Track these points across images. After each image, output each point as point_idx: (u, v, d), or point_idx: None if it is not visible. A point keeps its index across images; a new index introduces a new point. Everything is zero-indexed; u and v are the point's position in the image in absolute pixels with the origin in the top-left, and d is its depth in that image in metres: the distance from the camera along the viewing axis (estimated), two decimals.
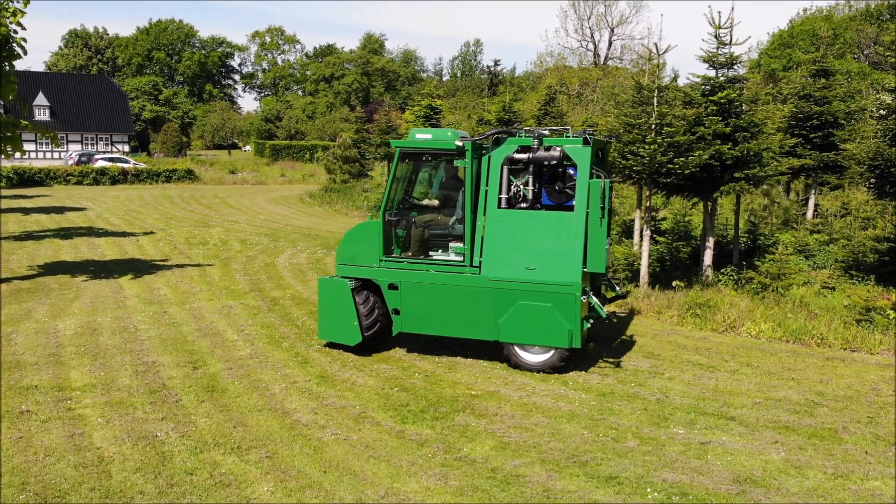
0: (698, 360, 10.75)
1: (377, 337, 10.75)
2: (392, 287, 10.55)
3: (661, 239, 17.81)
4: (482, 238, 10.11)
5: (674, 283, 14.73)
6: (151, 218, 27.81)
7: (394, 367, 10.30)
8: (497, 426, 8.16)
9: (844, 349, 11.44)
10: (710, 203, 15.51)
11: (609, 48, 74.05)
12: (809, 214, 22.42)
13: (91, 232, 23.58)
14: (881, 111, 16.56)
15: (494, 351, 10.74)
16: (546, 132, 10.21)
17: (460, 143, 10.07)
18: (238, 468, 7.08)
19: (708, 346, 11.54)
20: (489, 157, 10.16)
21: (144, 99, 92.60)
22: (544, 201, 10.30)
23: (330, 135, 76.51)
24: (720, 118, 14.61)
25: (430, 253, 10.69)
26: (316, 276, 16.84)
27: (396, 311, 10.61)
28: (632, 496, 6.58)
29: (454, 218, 10.73)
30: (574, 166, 9.96)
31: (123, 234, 23.08)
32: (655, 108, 14.46)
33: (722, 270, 15.56)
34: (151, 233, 23.62)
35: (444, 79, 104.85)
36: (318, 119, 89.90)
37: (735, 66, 15.33)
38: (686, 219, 19.69)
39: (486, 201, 10.12)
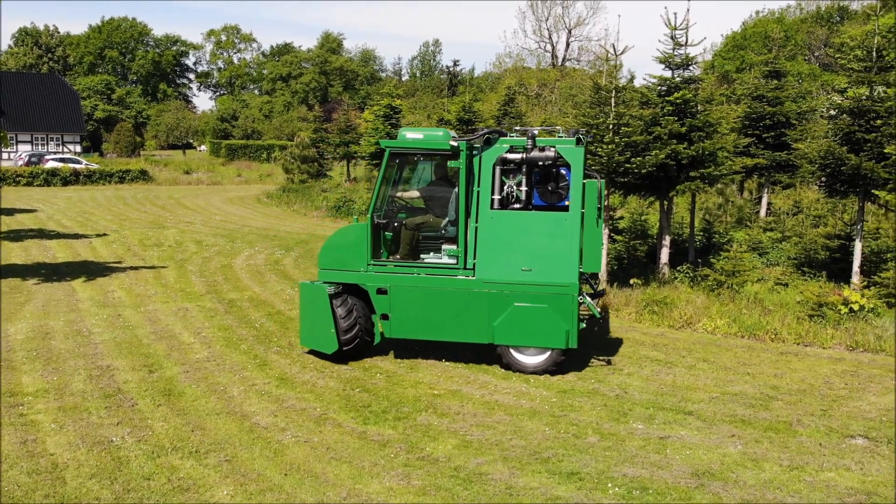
0: (656, 356, 10.90)
1: (354, 344, 10.30)
2: (381, 292, 10.16)
3: (618, 238, 18.03)
4: (475, 240, 9.93)
5: (631, 281, 14.93)
6: (105, 219, 27.19)
7: (355, 368, 10.23)
8: (459, 425, 8.16)
9: (798, 344, 11.70)
10: (666, 202, 15.76)
11: (567, 49, 74.81)
12: (762, 213, 22.94)
13: (42, 234, 22.95)
14: (831, 111, 16.99)
15: (457, 351, 10.75)
16: (535, 132, 10.13)
17: (455, 143, 9.86)
18: (196, 472, 6.95)
19: (665, 343, 11.70)
20: (480, 158, 10.01)
21: (97, 98, 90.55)
22: (535, 202, 10.20)
23: (288, 134, 75.77)
24: (676, 118, 14.84)
25: (422, 255, 10.35)
26: (274, 278, 16.66)
27: (385, 317, 10.22)
28: (593, 492, 6.63)
29: (446, 220, 10.37)
30: (567, 166, 9.97)
31: (76, 236, 22.52)
32: (613, 109, 14.63)
33: (678, 268, 15.82)
34: (105, 234, 23.09)
35: (403, 78, 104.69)
36: (276, 118, 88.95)
37: (690, 67, 15.60)
38: (643, 218, 19.98)
39: (479, 202, 9.96)
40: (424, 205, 10.82)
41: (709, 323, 12.52)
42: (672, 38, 15.29)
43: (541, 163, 9.83)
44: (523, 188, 9.98)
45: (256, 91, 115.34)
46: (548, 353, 9.88)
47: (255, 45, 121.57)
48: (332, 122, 43.67)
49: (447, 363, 10.45)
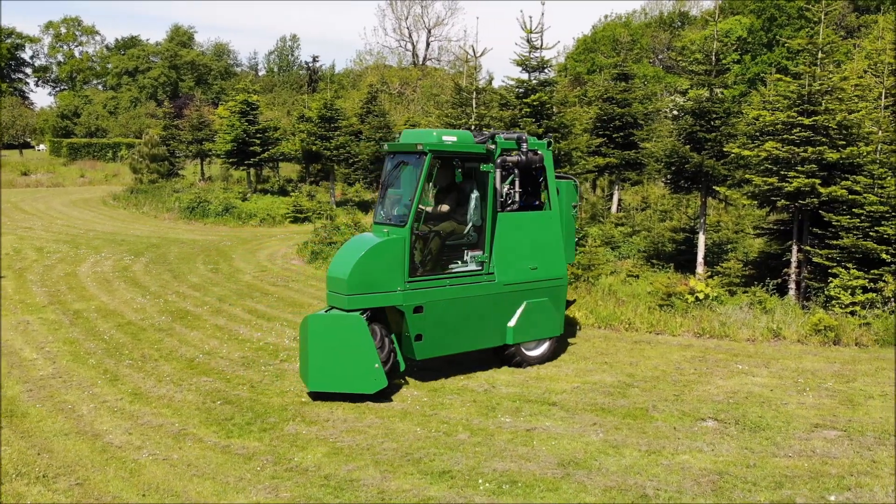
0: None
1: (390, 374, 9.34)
2: (417, 310, 9.32)
3: None
4: (492, 243, 9.88)
5: None
6: None
7: (215, 379, 9.78)
8: (329, 432, 7.98)
9: (650, 332, 12.36)
10: None
11: (427, 49, 75.55)
12: (614, 209, 24.13)
13: None
14: (674, 112, 18.10)
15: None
16: (525, 135, 10.28)
17: (493, 147, 9.73)
18: (45, 499, 6.39)
19: None
20: (494, 161, 9.89)
21: None
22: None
23: (135, 132, 71.64)
24: (534, 120, 15.28)
25: (451, 265, 9.75)
26: (123, 286, 15.68)
27: (419, 337, 9.39)
28: (464, 489, 6.67)
29: (470, 225, 9.89)
30: (542, 169, 10.36)
31: None
32: (474, 110, 14.87)
33: None
34: None
35: (259, 74, 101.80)
36: (122, 115, 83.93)
37: (546, 70, 16.12)
38: None
39: (494, 206, 9.88)
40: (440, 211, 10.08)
41: (567, 314, 12.97)
42: (528, 41, 15.74)
43: (533, 165, 10.14)
44: (517, 189, 10.11)
45: (100, 86, 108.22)
46: (547, 343, 10.54)
47: (98, 37, 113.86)
48: (183, 119, 41.67)
49: None
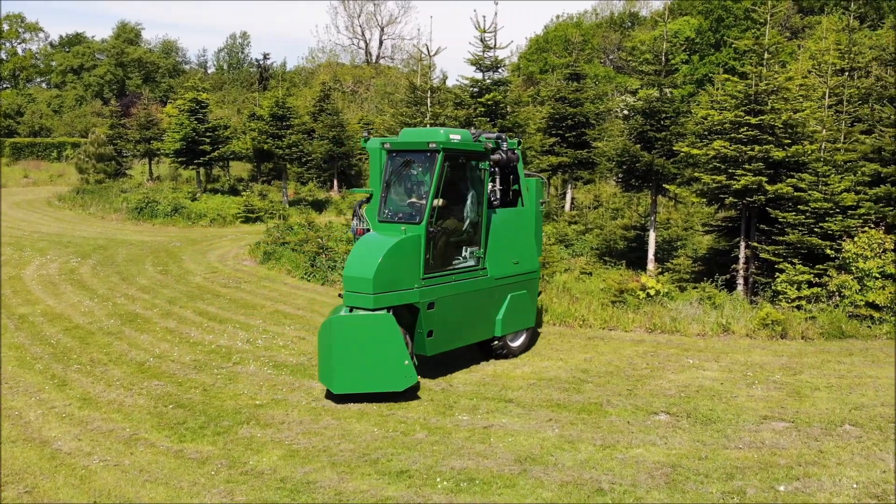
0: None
1: None
2: (430, 307, 9.43)
3: None
4: (486, 239, 10.24)
5: None
6: None
7: (167, 382, 9.59)
8: (285, 434, 7.89)
9: (603, 328, 12.52)
10: None
11: (380, 47, 75.28)
12: (567, 207, 24.38)
13: None
14: (625, 112, 18.37)
15: (281, 357, 10.41)
16: (504, 135, 10.61)
17: (491, 145, 10.05)
18: None
19: None
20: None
21: None
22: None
23: (81, 131, 69.80)
24: (488, 119, 15.34)
25: (454, 261, 9.94)
26: (70, 289, 15.28)
27: (431, 333, 9.50)
28: (422, 488, 6.66)
29: (468, 221, 10.03)
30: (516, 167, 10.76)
31: None
32: (429, 108, 14.86)
33: None
34: None
35: (209, 71, 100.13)
36: (67, 114, 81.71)
37: (500, 69, 16.20)
38: None
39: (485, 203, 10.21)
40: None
41: None
42: (482, 40, 15.79)
43: (511, 164, 10.47)
44: (499, 187, 10.43)
45: (44, 84, 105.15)
46: (524, 334, 11.06)
47: (41, 34, 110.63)
48: (130, 118, 40.72)
49: (269, 371, 10.09)
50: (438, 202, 9.36)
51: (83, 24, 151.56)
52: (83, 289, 15.31)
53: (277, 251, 18.81)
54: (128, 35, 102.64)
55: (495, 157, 10.23)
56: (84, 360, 10.43)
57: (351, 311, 9.05)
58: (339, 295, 10.27)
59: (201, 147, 30.82)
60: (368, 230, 9.89)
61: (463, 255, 10.02)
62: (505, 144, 10.34)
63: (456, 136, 9.58)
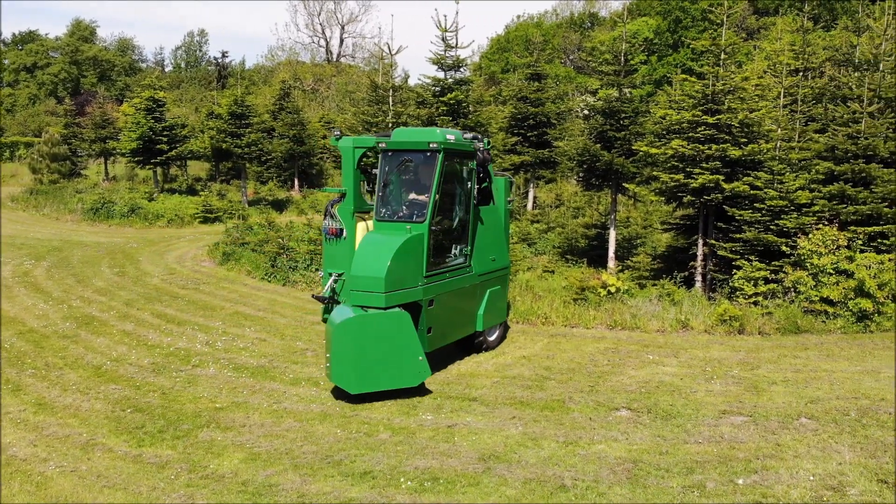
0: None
1: None
2: (430, 304, 9.59)
3: None
4: (473, 237, 10.46)
5: None
6: None
7: (125, 386, 9.39)
8: (246, 437, 7.78)
9: (565, 326, 12.62)
10: None
11: (341, 45, 74.82)
12: (530, 206, 24.52)
13: None
14: (585, 111, 18.54)
15: (242, 359, 10.27)
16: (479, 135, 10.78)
17: (480, 145, 10.31)
18: None
19: None
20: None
21: None
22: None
23: (34, 130, 68.09)
24: (451, 118, 15.34)
25: (447, 259, 10.10)
26: (24, 292, 14.89)
27: (430, 330, 9.58)
28: (386, 488, 6.63)
29: (458, 219, 10.24)
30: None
31: None
32: (391, 107, 14.80)
33: None
34: None
35: (166, 69, 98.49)
36: (20, 113, 79.66)
37: (461, 69, 16.21)
38: None
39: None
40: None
41: None
42: (443, 39, 15.78)
43: (486, 163, 10.60)
44: (477, 186, 10.56)
45: None
46: (498, 328, 11.38)
47: None
48: (86, 117, 39.84)
49: (229, 374, 9.95)
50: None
51: (36, 22, 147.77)
52: (37, 291, 14.93)
53: (237, 252, 18.57)
54: (82, 33, 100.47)
55: (478, 156, 10.48)
56: (39, 365, 10.18)
57: (364, 310, 8.97)
58: (313, 296, 10.34)
59: (158, 146, 30.30)
60: (342, 230, 9.95)
61: (453, 252, 10.24)
62: (481, 144, 10.52)
63: (451, 136, 9.79)
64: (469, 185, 10.33)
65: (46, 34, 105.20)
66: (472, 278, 10.50)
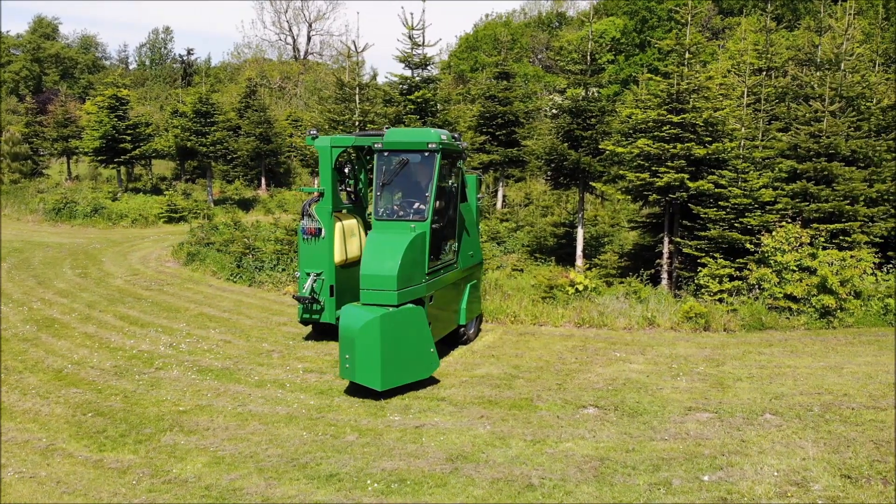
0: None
1: None
2: (431, 300, 9.88)
3: None
4: (460, 234, 10.70)
5: None
6: None
7: (86, 390, 9.20)
8: (210, 441, 7.66)
9: (534, 324, 12.64)
10: None
11: (308, 43, 74.28)
12: (499, 205, 24.54)
13: None
14: (554, 111, 18.61)
15: (206, 361, 10.11)
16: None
17: (465, 145, 10.60)
18: None
19: None
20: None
21: None
22: None
23: None
24: (418, 117, 15.29)
25: (441, 256, 10.30)
26: None
27: (429, 325, 9.74)
28: (353, 491, 6.57)
29: (447, 216, 10.44)
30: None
31: None
32: (358, 105, 14.71)
33: None
34: None
35: (130, 67, 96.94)
36: None
37: (429, 67, 16.16)
38: None
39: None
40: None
41: None
42: (410, 37, 15.72)
43: (463, 161, 10.83)
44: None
45: None
46: (476, 321, 11.65)
47: None
48: (48, 115, 39.05)
49: (193, 376, 9.79)
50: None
51: None
52: None
53: (202, 252, 18.32)
54: (44, 30, 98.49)
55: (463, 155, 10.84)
56: None
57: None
58: (294, 296, 10.37)
59: (122, 145, 29.79)
60: (321, 229, 10.07)
61: (445, 249, 10.45)
62: (466, 144, 10.79)
63: (444, 136, 10.00)
64: (457, 184, 10.59)
65: (7, 31, 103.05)
66: (458, 273, 10.80)
